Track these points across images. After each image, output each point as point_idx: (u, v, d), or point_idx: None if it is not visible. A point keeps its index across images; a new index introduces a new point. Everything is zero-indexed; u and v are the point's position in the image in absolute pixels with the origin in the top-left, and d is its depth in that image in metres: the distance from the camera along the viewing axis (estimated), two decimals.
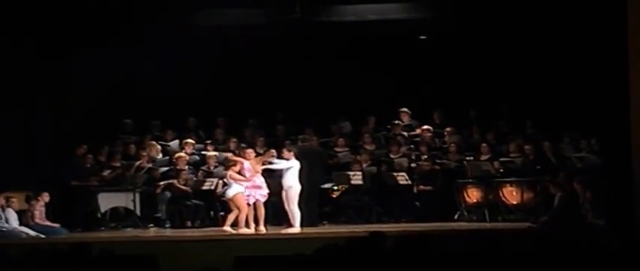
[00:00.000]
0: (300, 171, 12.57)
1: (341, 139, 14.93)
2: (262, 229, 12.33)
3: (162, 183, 14.06)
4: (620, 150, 11.45)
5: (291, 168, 12.47)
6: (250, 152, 12.70)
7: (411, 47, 16.02)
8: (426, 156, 14.43)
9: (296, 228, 12.32)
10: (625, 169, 11.34)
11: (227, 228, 12.30)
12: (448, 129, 14.98)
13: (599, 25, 11.86)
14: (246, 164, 12.45)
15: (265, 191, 12.52)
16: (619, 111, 11.44)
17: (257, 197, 12.42)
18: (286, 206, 12.52)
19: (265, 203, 12.56)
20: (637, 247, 6.20)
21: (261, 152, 13.42)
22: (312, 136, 14.51)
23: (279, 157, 12.90)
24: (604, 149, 12.59)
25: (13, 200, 12.75)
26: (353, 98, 15.71)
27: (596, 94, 12.22)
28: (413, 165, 14.40)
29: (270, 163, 12.78)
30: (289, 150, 12.68)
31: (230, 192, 12.39)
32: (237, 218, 12.32)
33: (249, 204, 12.42)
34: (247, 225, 12.30)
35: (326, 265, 5.93)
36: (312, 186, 13.01)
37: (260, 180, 12.50)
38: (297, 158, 12.68)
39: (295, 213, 12.40)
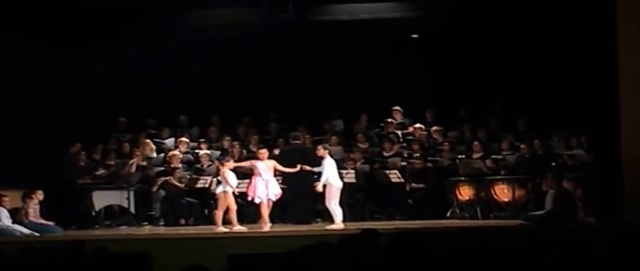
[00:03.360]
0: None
1: (334, 137, 14.96)
2: (265, 227, 12.36)
3: (158, 180, 14.09)
4: (609, 148, 11.52)
5: (328, 166, 12.52)
6: (264, 152, 12.76)
7: (403, 46, 16.08)
8: (418, 154, 14.49)
9: (339, 225, 12.31)
10: (615, 166, 11.41)
11: (219, 228, 12.34)
12: (434, 128, 15.05)
13: (588, 24, 11.92)
14: (260, 164, 12.49)
15: (278, 191, 12.61)
16: (609, 109, 11.51)
17: (270, 196, 12.50)
18: (327, 204, 12.54)
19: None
20: (626, 244, 6.25)
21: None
22: (304, 134, 14.54)
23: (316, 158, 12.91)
24: (594, 146, 12.65)
25: (5, 198, 12.72)
26: (345, 96, 15.76)
27: (586, 92, 12.28)
28: (405, 163, 14.46)
29: (313, 172, 12.82)
30: (324, 148, 12.75)
31: (219, 189, 12.43)
32: (228, 216, 12.36)
33: (252, 201, 12.47)
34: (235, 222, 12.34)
35: (318, 262, 5.96)
36: (304, 184, 13.06)
37: (273, 180, 12.60)
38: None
39: (336, 211, 12.42)
